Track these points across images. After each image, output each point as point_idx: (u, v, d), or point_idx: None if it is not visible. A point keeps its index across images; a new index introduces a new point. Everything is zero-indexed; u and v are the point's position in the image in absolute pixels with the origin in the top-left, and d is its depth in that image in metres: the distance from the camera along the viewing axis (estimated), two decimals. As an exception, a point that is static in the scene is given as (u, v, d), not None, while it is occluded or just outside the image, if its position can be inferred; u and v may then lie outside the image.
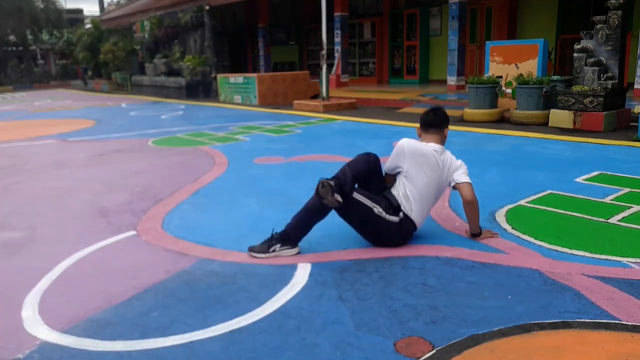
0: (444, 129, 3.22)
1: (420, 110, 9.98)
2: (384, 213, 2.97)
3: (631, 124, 7.24)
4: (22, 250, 3.28)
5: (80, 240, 3.38)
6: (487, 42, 10.04)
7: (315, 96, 13.06)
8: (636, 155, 5.44)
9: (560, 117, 7.41)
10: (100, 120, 10.82)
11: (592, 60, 7.34)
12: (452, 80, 12.53)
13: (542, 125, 7.63)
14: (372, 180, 3.13)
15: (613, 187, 4.22)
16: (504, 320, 2.20)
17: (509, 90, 8.67)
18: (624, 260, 2.79)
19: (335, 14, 14.85)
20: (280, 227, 3.05)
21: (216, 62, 17.15)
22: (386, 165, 3.20)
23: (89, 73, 24.49)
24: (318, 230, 3.13)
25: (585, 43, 7.46)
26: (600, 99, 7.03)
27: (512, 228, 3.34)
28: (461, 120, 8.51)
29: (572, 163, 5.19)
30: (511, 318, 2.22)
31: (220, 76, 14.62)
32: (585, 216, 3.50)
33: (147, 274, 2.82)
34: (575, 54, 7.54)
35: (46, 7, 29.98)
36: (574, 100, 7.28)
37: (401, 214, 3.02)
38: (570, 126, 7.26)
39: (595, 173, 4.70)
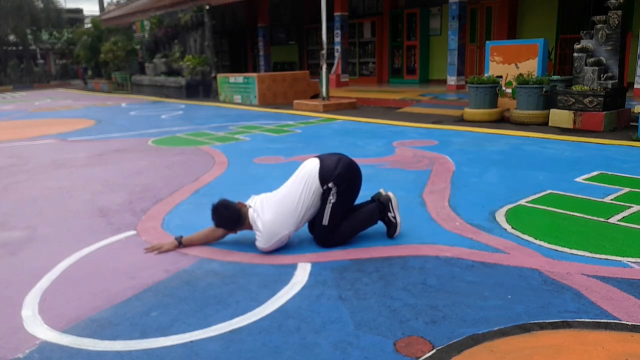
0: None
1: (421, 110, 10.09)
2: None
3: (631, 123, 7.24)
4: (22, 250, 3.28)
5: (80, 240, 3.38)
6: (487, 42, 10.04)
7: (315, 96, 13.06)
8: (636, 155, 5.44)
9: (560, 117, 7.41)
10: (100, 120, 10.82)
11: (592, 60, 7.34)
12: (452, 80, 12.53)
13: (542, 125, 7.63)
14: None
15: (613, 187, 4.22)
16: (504, 320, 2.20)
17: (509, 90, 8.68)
18: (624, 260, 2.79)
19: (335, 13, 14.84)
20: None
21: (216, 61, 17.15)
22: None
23: (89, 73, 24.48)
24: (318, 230, 3.13)
25: (585, 43, 7.45)
26: (600, 98, 7.03)
27: (512, 228, 3.33)
28: (461, 120, 8.51)
29: (572, 163, 5.18)
30: (511, 318, 2.22)
31: (220, 76, 14.62)
32: (585, 216, 3.50)
33: (147, 273, 2.82)
34: (575, 54, 7.54)
35: (46, 6, 29.95)
36: (574, 100, 7.28)
37: None
38: (570, 126, 7.26)
39: (595, 173, 4.70)
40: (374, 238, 3.23)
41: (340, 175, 3.03)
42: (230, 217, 3.09)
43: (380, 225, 3.27)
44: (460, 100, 10.26)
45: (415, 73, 15.66)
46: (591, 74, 7.30)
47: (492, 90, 8.33)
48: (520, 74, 8.41)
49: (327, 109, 10.62)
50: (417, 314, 2.28)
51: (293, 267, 2.83)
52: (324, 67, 10.82)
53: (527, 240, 3.11)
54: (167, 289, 2.63)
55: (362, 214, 3.21)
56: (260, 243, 3.02)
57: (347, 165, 3.10)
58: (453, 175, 4.82)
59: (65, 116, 12.08)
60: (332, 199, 3.04)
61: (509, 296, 2.41)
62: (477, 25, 14.03)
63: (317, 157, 3.17)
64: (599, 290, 2.43)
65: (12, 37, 30.79)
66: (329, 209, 3.04)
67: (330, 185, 3.02)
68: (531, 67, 8.64)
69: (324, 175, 3.03)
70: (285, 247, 3.12)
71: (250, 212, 3.07)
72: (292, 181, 3.12)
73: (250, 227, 3.09)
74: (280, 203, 3.05)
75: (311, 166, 3.09)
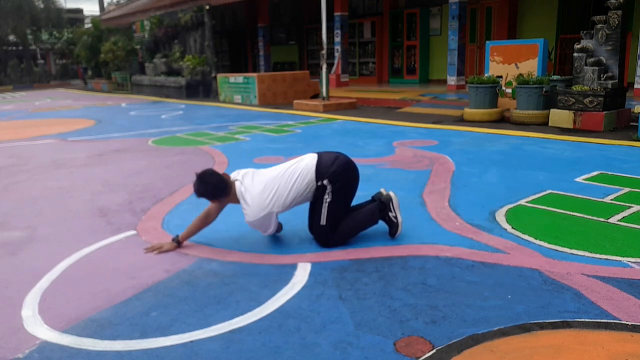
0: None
1: (421, 110, 10.09)
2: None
3: (631, 123, 7.25)
4: (22, 250, 3.28)
5: (80, 240, 3.38)
6: (487, 42, 10.04)
7: (315, 96, 13.06)
8: (636, 155, 5.44)
9: (560, 116, 7.41)
10: (100, 120, 10.82)
11: (592, 60, 7.34)
12: (452, 80, 12.53)
13: (542, 125, 7.63)
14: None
15: (613, 186, 4.22)
16: (504, 320, 2.20)
17: (509, 90, 8.67)
18: (624, 260, 2.78)
19: (335, 13, 14.84)
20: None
21: (216, 61, 17.15)
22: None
23: (89, 73, 24.49)
24: (318, 230, 3.13)
25: (585, 43, 7.46)
26: (600, 98, 7.03)
27: (512, 228, 3.33)
28: (461, 120, 8.51)
29: (572, 163, 5.18)
30: (511, 318, 2.22)
31: (220, 76, 14.62)
32: (585, 216, 3.50)
33: (147, 273, 2.82)
34: (575, 54, 7.54)
35: (46, 6, 29.98)
36: (574, 100, 7.28)
37: None
38: (570, 126, 7.26)
39: (595, 173, 4.70)
40: (374, 238, 3.23)
41: (335, 172, 3.03)
42: (217, 185, 3.04)
43: (380, 225, 3.27)
44: (460, 100, 10.26)
45: (415, 73, 15.66)
46: (591, 74, 7.30)
47: (492, 90, 8.33)
48: (520, 74, 8.41)
49: (327, 109, 10.62)
50: (417, 314, 2.28)
51: (293, 267, 2.83)
52: (324, 67, 10.81)
53: (527, 240, 3.11)
54: (167, 289, 2.63)
55: (362, 213, 3.21)
56: (248, 217, 3.03)
57: (344, 164, 3.10)
58: (453, 175, 4.82)
59: (65, 116, 12.08)
60: (327, 198, 3.04)
61: (509, 296, 2.41)
62: (477, 25, 14.03)
63: (316, 153, 3.18)
64: (599, 290, 2.43)
65: (12, 37, 30.79)
66: (326, 208, 3.04)
67: (325, 182, 3.02)
68: (531, 67, 8.64)
69: (320, 171, 3.03)
70: (285, 247, 3.12)
71: (237, 185, 3.05)
72: (286, 167, 3.11)
73: (237, 201, 3.09)
74: (272, 182, 3.04)
75: (308, 160, 3.11)
